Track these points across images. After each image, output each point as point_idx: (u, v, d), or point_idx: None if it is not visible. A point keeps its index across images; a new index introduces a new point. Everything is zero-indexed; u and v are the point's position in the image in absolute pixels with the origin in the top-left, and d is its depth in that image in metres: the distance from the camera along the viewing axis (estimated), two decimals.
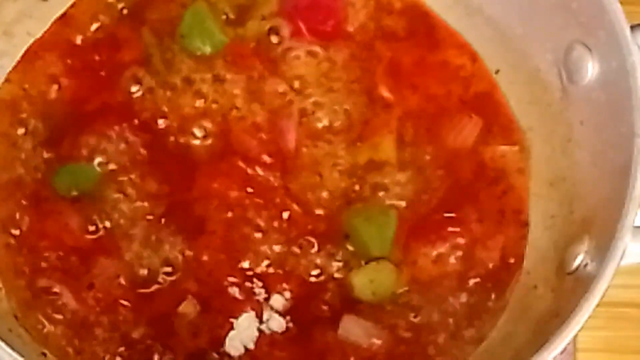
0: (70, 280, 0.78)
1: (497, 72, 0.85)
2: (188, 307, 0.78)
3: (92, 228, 0.79)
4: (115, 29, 0.83)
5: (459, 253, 0.80)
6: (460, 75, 0.85)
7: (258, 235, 0.80)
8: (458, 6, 0.86)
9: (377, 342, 0.78)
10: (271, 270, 0.79)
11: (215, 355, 0.78)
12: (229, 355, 0.78)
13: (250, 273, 0.79)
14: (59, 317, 0.78)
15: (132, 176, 0.80)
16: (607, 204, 0.71)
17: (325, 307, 0.79)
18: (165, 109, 0.82)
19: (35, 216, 0.80)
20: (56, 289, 0.78)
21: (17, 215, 0.80)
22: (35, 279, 0.78)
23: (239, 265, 0.79)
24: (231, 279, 0.79)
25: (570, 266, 0.73)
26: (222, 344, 0.78)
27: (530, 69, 0.82)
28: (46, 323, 0.77)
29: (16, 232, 0.79)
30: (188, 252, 0.79)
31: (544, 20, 0.79)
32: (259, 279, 0.79)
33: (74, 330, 0.78)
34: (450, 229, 0.81)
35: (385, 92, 0.84)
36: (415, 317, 0.79)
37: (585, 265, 0.71)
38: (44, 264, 0.78)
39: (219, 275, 0.79)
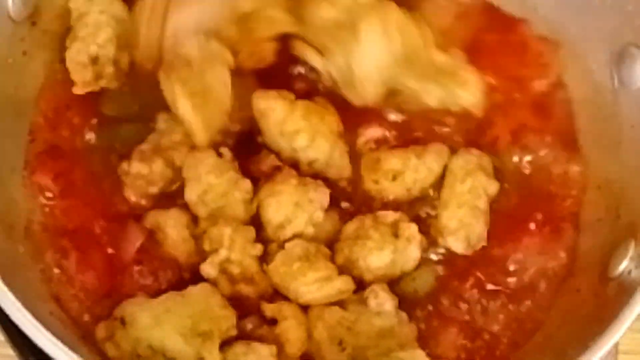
0: None
1: None
2: None
3: None
4: None
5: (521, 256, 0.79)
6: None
7: None
8: (513, 2, 0.85)
9: None
10: None
11: None
12: None
13: None
14: None
15: None
16: None
17: None
18: None
19: None
20: None
21: None
22: None
23: None
24: None
25: (614, 271, 0.72)
26: None
27: (583, 69, 0.81)
28: None
29: None
30: None
31: (598, 20, 0.78)
32: None
33: None
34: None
35: None
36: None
37: (630, 271, 0.70)
38: None
39: None
